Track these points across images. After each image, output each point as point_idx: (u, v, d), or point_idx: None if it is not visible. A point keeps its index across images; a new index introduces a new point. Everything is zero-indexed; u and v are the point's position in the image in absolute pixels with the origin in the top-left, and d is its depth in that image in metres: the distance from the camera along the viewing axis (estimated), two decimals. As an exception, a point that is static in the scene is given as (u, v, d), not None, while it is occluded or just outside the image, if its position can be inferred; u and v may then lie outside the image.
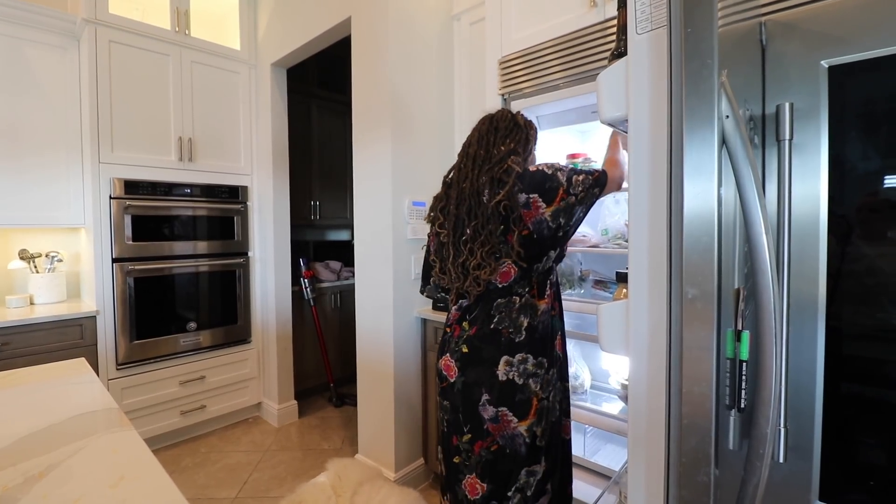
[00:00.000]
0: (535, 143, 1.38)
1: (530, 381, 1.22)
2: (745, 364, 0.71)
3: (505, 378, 1.22)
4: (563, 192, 1.18)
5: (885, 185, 0.74)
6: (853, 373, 0.76)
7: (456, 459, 1.29)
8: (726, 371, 0.70)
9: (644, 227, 0.68)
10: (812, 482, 0.75)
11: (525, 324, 1.23)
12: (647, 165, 0.69)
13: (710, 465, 0.60)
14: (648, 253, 0.68)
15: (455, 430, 1.29)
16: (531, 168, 1.23)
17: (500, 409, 1.22)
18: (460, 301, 1.34)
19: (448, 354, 1.31)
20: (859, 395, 0.76)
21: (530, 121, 1.38)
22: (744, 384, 0.71)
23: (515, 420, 1.21)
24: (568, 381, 1.41)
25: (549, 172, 1.20)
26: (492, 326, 1.25)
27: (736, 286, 0.73)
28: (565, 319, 1.40)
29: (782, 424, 0.74)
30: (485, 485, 1.24)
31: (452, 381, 1.29)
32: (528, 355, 1.23)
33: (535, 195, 1.19)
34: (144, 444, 0.90)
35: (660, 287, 0.67)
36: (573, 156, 1.85)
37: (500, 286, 1.25)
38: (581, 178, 1.19)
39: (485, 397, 1.23)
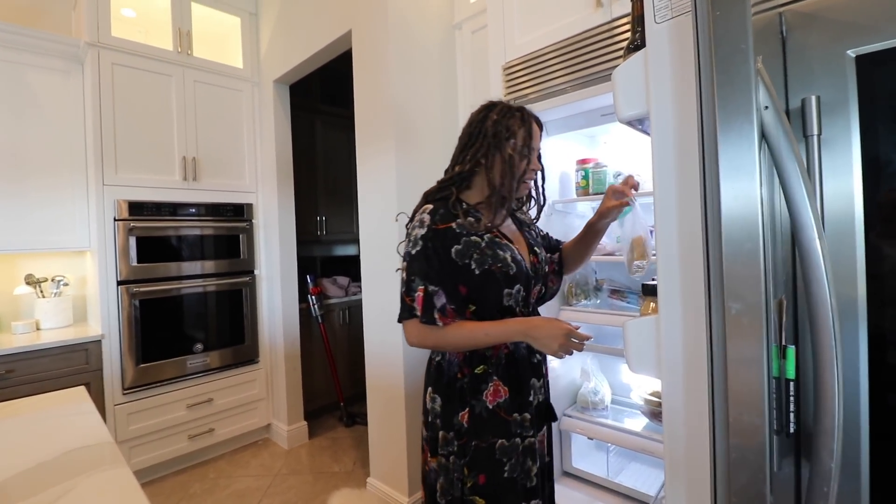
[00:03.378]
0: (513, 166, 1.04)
1: (438, 420, 1.09)
2: (791, 383, 0.63)
3: (429, 400, 1.15)
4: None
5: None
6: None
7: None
8: (772, 392, 0.63)
9: (674, 234, 0.61)
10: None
11: (437, 357, 1.13)
12: (673, 166, 0.62)
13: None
14: (680, 263, 0.61)
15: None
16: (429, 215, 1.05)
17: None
18: None
19: None
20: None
21: (511, 123, 1.03)
22: (791, 406, 0.63)
23: (429, 451, 1.13)
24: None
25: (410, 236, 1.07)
26: None
27: (777, 296, 0.66)
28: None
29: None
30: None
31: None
32: (437, 395, 1.10)
33: None
34: (137, 482, 0.84)
35: (696, 301, 0.59)
36: (583, 161, 1.79)
37: None
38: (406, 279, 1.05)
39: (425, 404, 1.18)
